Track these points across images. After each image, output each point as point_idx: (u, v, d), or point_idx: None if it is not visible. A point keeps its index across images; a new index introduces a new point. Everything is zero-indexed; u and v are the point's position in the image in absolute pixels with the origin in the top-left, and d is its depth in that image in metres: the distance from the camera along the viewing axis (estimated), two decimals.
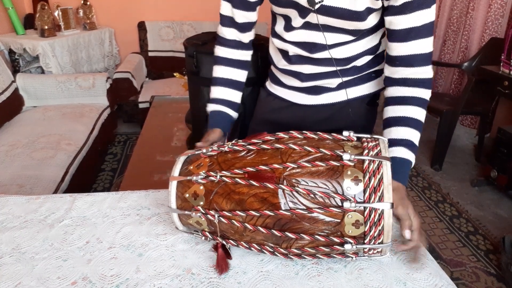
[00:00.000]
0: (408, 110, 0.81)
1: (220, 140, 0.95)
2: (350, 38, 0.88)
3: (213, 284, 0.68)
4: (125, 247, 0.77)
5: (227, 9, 0.96)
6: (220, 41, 1.01)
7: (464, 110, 2.66)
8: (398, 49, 0.82)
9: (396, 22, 0.79)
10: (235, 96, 1.01)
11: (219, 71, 1.01)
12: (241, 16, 0.95)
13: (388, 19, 0.81)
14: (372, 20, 0.83)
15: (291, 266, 0.73)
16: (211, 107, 1.00)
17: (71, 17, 3.03)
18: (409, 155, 0.79)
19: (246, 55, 1.03)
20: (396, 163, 0.78)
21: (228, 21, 0.97)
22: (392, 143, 0.80)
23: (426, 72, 0.82)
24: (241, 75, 1.02)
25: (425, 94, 0.82)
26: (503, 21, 2.79)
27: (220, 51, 1.01)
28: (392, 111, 0.83)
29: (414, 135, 0.81)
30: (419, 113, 0.81)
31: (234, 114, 1.01)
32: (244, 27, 0.98)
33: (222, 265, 0.71)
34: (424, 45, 0.80)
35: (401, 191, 0.75)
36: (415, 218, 0.74)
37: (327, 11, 0.82)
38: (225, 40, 1.00)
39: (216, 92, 1.00)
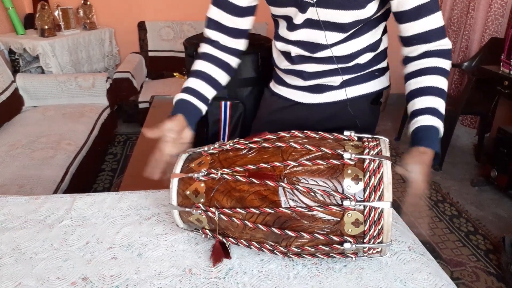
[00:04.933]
0: (429, 79, 0.83)
1: (183, 129, 0.84)
2: (351, 34, 0.89)
3: (213, 284, 0.68)
4: (125, 247, 0.77)
5: (213, 12, 0.94)
6: (204, 41, 0.98)
7: (464, 110, 2.66)
8: (412, 28, 0.83)
9: (404, 2, 0.81)
10: (209, 92, 0.94)
11: (197, 65, 0.96)
12: (227, 19, 0.94)
13: (394, 2, 0.82)
14: (371, 8, 0.84)
15: (291, 266, 0.73)
16: (177, 96, 0.91)
17: (71, 17, 3.03)
18: (434, 121, 0.80)
19: (229, 59, 0.97)
20: (421, 131, 0.79)
21: (213, 24, 0.95)
22: (416, 113, 0.82)
23: (444, 44, 0.85)
24: (219, 75, 0.96)
25: (445, 64, 0.84)
26: (503, 21, 2.79)
27: (203, 48, 0.98)
28: (414, 84, 0.85)
29: (438, 103, 0.82)
30: (441, 82, 0.83)
31: (202, 108, 0.92)
32: (229, 31, 0.95)
33: (216, 257, 0.72)
34: (436, 20, 0.82)
35: (425, 156, 0.74)
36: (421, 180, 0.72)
37: (326, 1, 0.82)
38: (209, 41, 0.97)
39: (189, 82, 0.93)
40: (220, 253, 0.72)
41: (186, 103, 0.90)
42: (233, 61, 0.99)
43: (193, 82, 0.93)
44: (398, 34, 0.88)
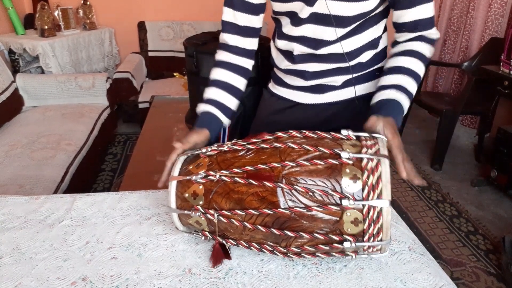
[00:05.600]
0: (403, 60, 0.85)
1: (204, 143, 0.87)
2: (354, 29, 0.89)
3: (213, 284, 0.68)
4: (125, 247, 0.77)
5: (229, 15, 0.95)
6: (221, 47, 0.99)
7: (464, 110, 2.66)
8: (405, 16, 0.86)
9: None
10: (230, 101, 0.95)
11: (216, 74, 0.97)
12: (244, 20, 0.94)
13: None
14: (375, 0, 0.85)
15: (291, 266, 0.73)
16: (202, 107, 0.93)
17: (71, 17, 3.03)
18: (396, 95, 0.80)
19: (247, 63, 0.99)
20: (382, 104, 0.80)
21: (229, 27, 0.96)
22: (381, 88, 0.83)
23: (432, 33, 0.87)
24: (239, 82, 0.97)
25: (426, 49, 0.86)
26: (503, 21, 2.79)
27: (221, 55, 0.98)
28: (389, 63, 0.87)
29: (405, 81, 0.82)
30: (414, 64, 0.84)
31: (225, 120, 0.94)
32: (246, 32, 0.96)
33: (216, 258, 0.71)
34: (429, 9, 0.85)
35: (389, 120, 0.75)
36: (394, 138, 0.72)
37: None
38: (226, 46, 0.98)
39: (210, 93, 0.94)
40: (219, 254, 0.72)
41: (212, 117, 0.92)
42: (250, 65, 1.00)
43: (215, 93, 0.94)
44: (391, 19, 0.91)
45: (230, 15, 0.95)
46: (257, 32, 0.98)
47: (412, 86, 0.82)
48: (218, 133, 0.95)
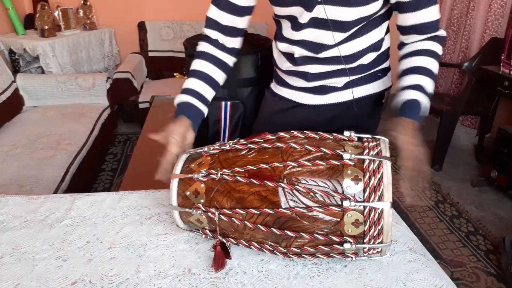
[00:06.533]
0: (419, 60, 0.86)
1: (187, 131, 0.86)
2: (355, 32, 0.89)
3: (213, 284, 0.68)
4: (125, 247, 0.77)
5: (213, 12, 0.95)
6: (203, 39, 0.99)
7: (464, 110, 2.66)
8: (410, 19, 0.86)
9: None
10: (208, 92, 0.95)
11: (196, 64, 0.97)
12: (226, 19, 0.94)
13: None
14: (376, 4, 0.85)
15: (291, 266, 0.73)
16: (178, 98, 0.92)
17: (71, 17, 3.03)
18: (418, 96, 0.82)
19: (227, 58, 0.99)
20: (405, 105, 0.82)
21: (212, 24, 0.96)
22: (402, 89, 0.85)
23: (439, 33, 0.88)
24: (218, 74, 0.97)
25: (437, 47, 0.87)
26: (503, 21, 2.79)
27: (202, 46, 0.98)
28: (405, 64, 0.88)
29: (424, 81, 0.84)
30: (431, 63, 0.85)
31: (204, 110, 0.94)
32: (228, 31, 0.96)
33: (219, 263, 0.71)
34: (434, 12, 0.85)
35: (410, 124, 0.78)
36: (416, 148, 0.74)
37: None
38: (208, 39, 0.98)
39: (189, 83, 0.94)
40: (222, 258, 0.72)
41: (189, 106, 0.91)
42: (231, 60, 1.00)
43: (194, 83, 0.94)
44: (396, 22, 0.91)
45: (215, 12, 0.95)
46: (240, 32, 0.98)
47: (430, 86, 0.84)
48: (200, 120, 0.93)
